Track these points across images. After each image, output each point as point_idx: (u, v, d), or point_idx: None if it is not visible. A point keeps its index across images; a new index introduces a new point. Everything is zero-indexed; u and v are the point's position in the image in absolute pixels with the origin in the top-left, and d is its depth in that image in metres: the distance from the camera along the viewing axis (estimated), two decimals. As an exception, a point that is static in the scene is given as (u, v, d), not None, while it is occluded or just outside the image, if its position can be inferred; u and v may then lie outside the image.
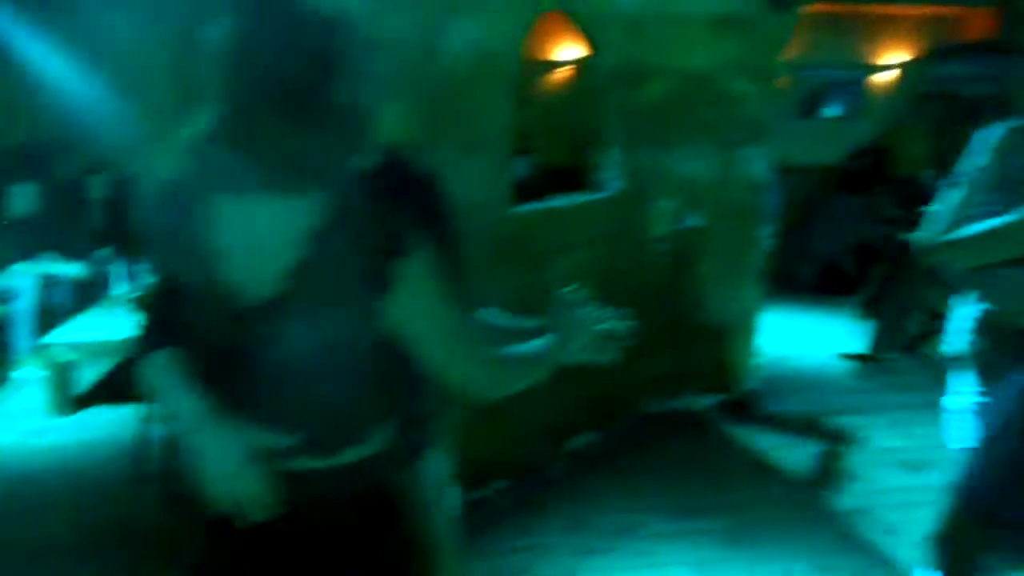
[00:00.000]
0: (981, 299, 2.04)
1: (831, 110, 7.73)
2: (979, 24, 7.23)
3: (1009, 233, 1.75)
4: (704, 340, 4.28)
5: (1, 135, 5.96)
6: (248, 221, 1.12)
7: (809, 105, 7.62)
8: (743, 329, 4.35)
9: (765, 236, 4.37)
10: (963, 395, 2.14)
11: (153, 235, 1.20)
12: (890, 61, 7.58)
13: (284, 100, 1.09)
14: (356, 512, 1.25)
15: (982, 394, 2.09)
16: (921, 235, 1.99)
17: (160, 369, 1.27)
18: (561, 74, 7.19)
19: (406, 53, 2.88)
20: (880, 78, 7.63)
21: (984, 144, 1.92)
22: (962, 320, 2.12)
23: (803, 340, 5.69)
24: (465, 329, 1.25)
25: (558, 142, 5.71)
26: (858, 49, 7.36)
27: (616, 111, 3.82)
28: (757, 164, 4.17)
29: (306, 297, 1.12)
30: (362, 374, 1.22)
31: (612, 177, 3.87)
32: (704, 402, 4.34)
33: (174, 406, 1.25)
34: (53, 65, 5.61)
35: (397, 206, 1.14)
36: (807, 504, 3.45)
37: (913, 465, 3.75)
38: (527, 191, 3.56)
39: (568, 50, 7.20)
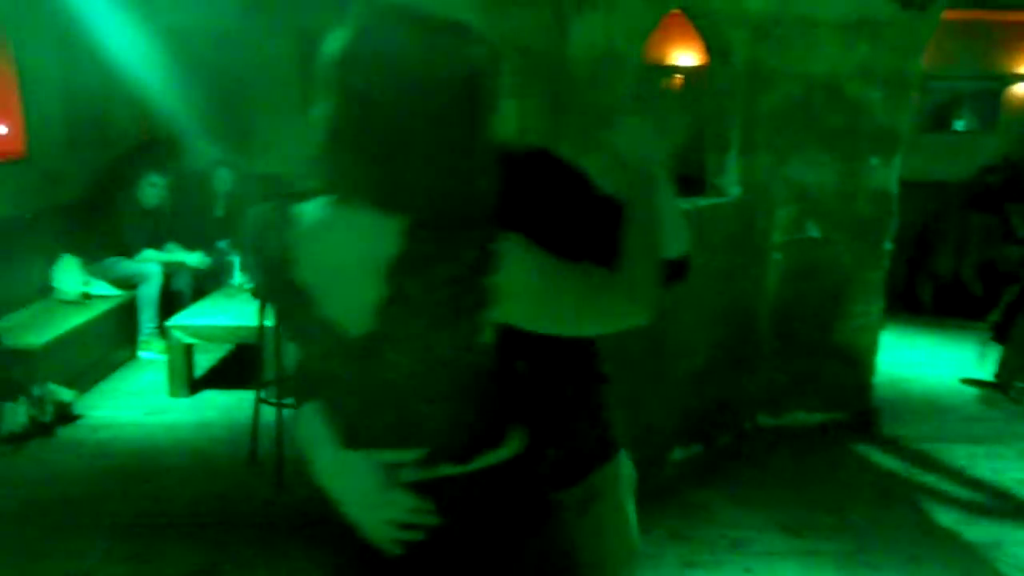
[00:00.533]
0: None
1: (962, 123, 7.34)
2: None
3: None
4: (820, 355, 4.11)
5: (133, 131, 6.32)
6: (340, 251, 1.10)
7: (939, 117, 7.26)
8: (862, 346, 4.15)
9: (888, 252, 4.17)
10: None
11: (260, 266, 1.20)
12: (1029, 72, 7.16)
13: (392, 120, 1.06)
14: (502, 518, 1.21)
15: None
16: None
17: (307, 422, 1.27)
18: (677, 79, 7.09)
19: (532, 51, 2.88)
20: (1018, 90, 7.19)
21: None
22: None
23: (922, 362, 5.41)
24: (595, 285, 1.18)
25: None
26: (994, 59, 6.97)
27: (737, 115, 3.72)
28: (885, 175, 3.99)
29: (404, 327, 1.10)
30: (482, 383, 1.18)
31: (730, 183, 3.77)
32: (818, 419, 4.17)
33: (315, 457, 1.25)
34: (180, 63, 5.88)
35: (492, 214, 1.10)
36: (931, 532, 3.26)
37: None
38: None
39: (683, 56, 7.11)
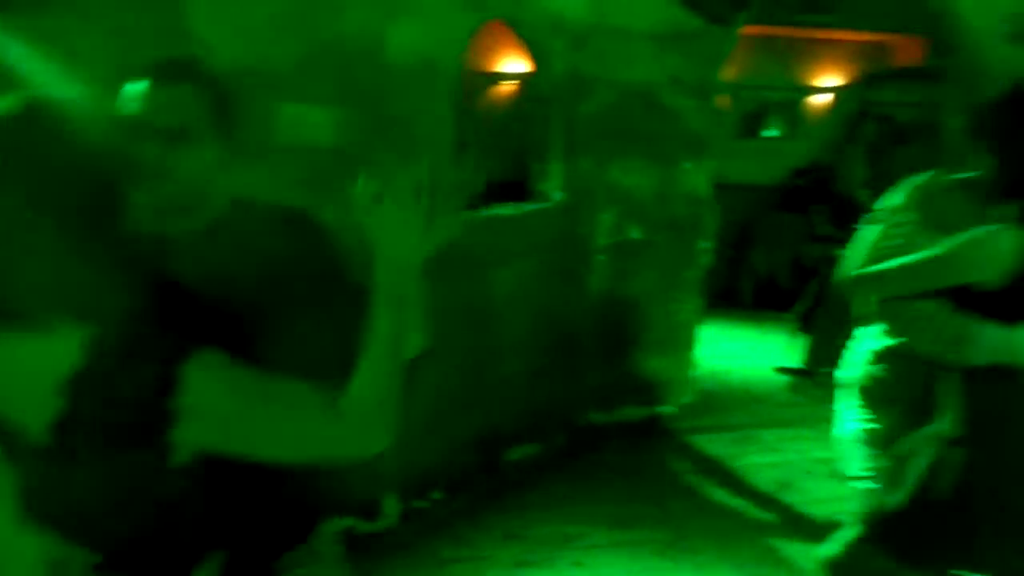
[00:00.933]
0: (890, 330, 2.09)
1: (770, 130, 7.92)
2: (910, 51, 7.49)
3: (920, 270, 1.85)
4: (644, 352, 4.30)
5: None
6: (14, 362, 0.99)
7: (749, 125, 7.80)
8: (682, 342, 4.38)
9: (705, 251, 4.42)
10: (853, 421, 2.20)
11: None
12: (827, 84, 7.80)
13: (53, 222, 0.96)
14: None
15: (872, 420, 2.14)
16: (839, 271, 2.06)
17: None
18: (505, 87, 7.19)
19: (344, 58, 2.84)
20: (817, 100, 7.83)
21: (906, 186, 2.03)
22: (860, 349, 2.19)
23: (741, 354, 5.77)
24: (299, 404, 1.05)
25: (500, 153, 5.71)
26: (796, 71, 7.55)
27: (559, 122, 3.82)
28: (698, 178, 4.22)
29: (83, 447, 1.00)
30: (174, 508, 1.08)
31: (553, 188, 3.87)
32: (646, 413, 4.36)
33: None
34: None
35: (181, 325, 1.00)
36: (744, 516, 3.47)
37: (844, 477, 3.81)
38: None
39: (512, 63, 7.22)
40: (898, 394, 2.06)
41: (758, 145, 7.72)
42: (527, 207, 3.70)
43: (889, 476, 1.98)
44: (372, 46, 2.87)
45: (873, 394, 2.15)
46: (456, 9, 3.11)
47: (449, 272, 3.31)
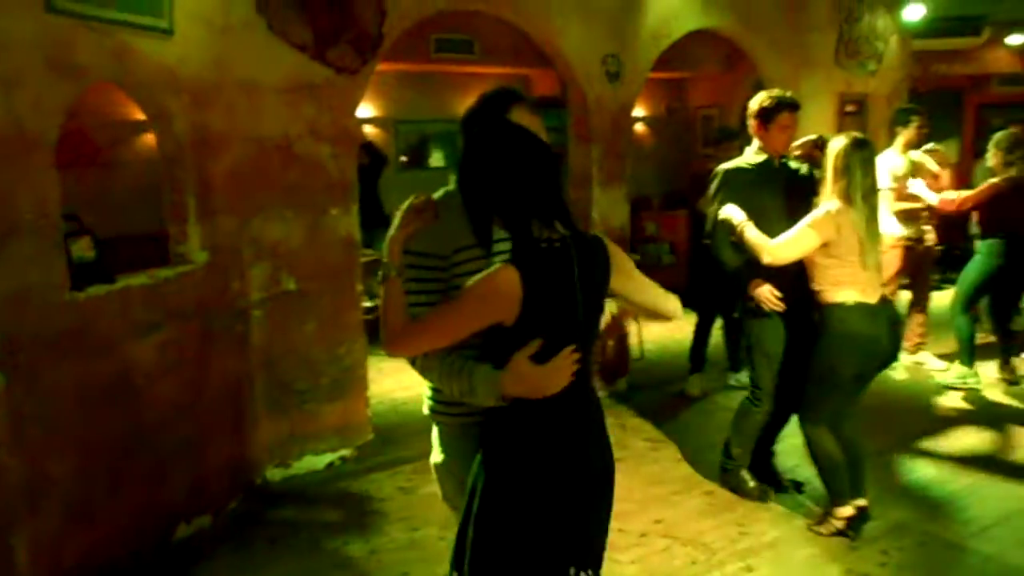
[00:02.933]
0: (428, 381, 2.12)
1: (437, 160, 8.30)
2: (548, 83, 8.20)
3: (447, 324, 1.87)
4: (317, 399, 4.30)
5: None
6: None
7: (415, 156, 8.10)
8: (353, 384, 4.44)
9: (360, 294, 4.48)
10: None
11: None
12: (484, 114, 8.29)
13: None
14: None
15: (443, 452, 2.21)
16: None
17: None
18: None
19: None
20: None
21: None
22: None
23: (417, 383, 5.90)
24: None
25: (149, 210, 5.38)
26: (450, 104, 7.93)
27: (191, 181, 3.70)
28: (347, 223, 4.31)
29: None
30: None
31: (194, 249, 3.73)
32: (326, 460, 4.36)
33: None
34: None
35: None
36: (424, 549, 3.57)
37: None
38: (96, 272, 3.29)
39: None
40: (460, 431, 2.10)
41: (427, 175, 8.03)
42: (164, 272, 3.53)
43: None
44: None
45: (440, 430, 2.22)
46: (46, 76, 2.89)
47: (80, 352, 3.08)
